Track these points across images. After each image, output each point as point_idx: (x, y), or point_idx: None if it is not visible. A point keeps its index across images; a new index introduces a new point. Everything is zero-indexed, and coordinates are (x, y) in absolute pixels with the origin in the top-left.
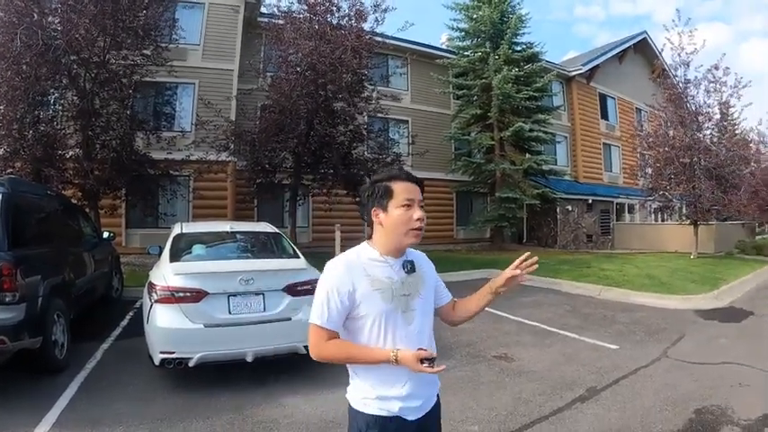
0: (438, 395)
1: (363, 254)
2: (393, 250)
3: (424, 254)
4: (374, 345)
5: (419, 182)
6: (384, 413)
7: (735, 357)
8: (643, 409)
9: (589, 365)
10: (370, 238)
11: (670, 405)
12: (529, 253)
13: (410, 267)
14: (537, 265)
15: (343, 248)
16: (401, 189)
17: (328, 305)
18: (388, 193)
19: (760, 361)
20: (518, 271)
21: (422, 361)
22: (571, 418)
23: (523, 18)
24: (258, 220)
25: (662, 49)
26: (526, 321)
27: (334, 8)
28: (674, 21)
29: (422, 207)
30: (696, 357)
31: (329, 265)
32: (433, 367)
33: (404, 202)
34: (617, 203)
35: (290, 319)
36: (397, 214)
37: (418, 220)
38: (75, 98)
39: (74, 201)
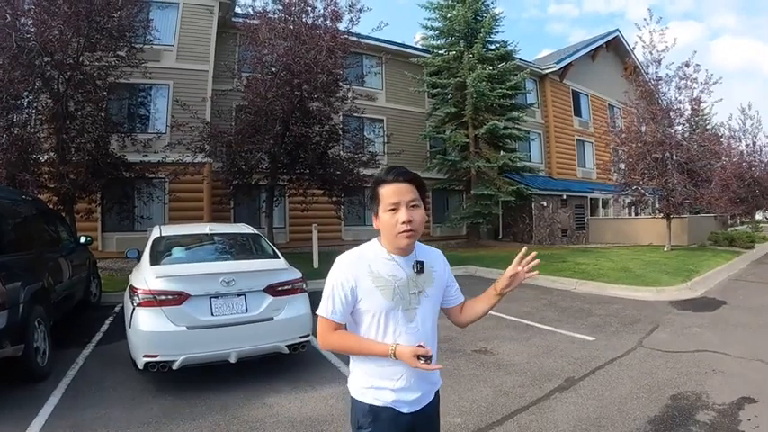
0: (438, 393)
1: (372, 250)
2: (396, 250)
3: (440, 252)
4: (374, 338)
5: (412, 179)
6: (378, 403)
7: (708, 345)
8: (620, 397)
9: (567, 357)
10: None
11: (646, 392)
12: (526, 248)
13: (420, 267)
14: (538, 260)
15: (321, 248)
16: (386, 193)
17: (333, 299)
18: (376, 199)
19: (733, 348)
20: (519, 268)
21: (418, 357)
22: (551, 408)
23: (497, 17)
24: (235, 222)
25: (634, 48)
26: (504, 316)
27: (310, 8)
28: (645, 19)
29: (413, 207)
30: (671, 346)
31: (337, 259)
32: (429, 364)
33: (389, 206)
34: (591, 198)
35: (271, 319)
36: (385, 219)
37: (404, 223)
38: (50, 101)
39: (49, 205)
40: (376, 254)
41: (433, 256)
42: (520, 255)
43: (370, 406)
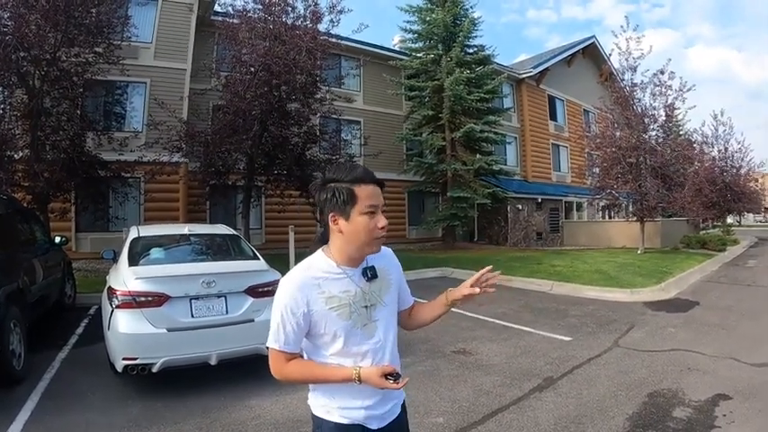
0: (404, 404)
1: (318, 266)
2: (352, 260)
3: (390, 250)
4: (336, 362)
5: (382, 184)
6: (346, 421)
7: (683, 344)
8: (598, 395)
9: (545, 357)
10: (323, 242)
11: (624, 390)
12: (491, 267)
13: (371, 274)
14: (497, 280)
15: (298, 249)
16: (366, 194)
17: (284, 328)
18: (352, 199)
19: (706, 347)
20: (476, 290)
21: (386, 377)
22: (531, 407)
23: (476, 21)
24: (211, 222)
25: (610, 54)
26: (481, 317)
27: (290, 8)
28: (622, 27)
29: (384, 212)
30: (646, 346)
31: (282, 283)
32: (397, 383)
33: (368, 209)
34: (566, 202)
35: (252, 320)
36: (361, 222)
37: (382, 228)
38: (25, 97)
39: (23, 204)
40: (324, 270)
41: (385, 258)
42: (482, 272)
43: (337, 424)
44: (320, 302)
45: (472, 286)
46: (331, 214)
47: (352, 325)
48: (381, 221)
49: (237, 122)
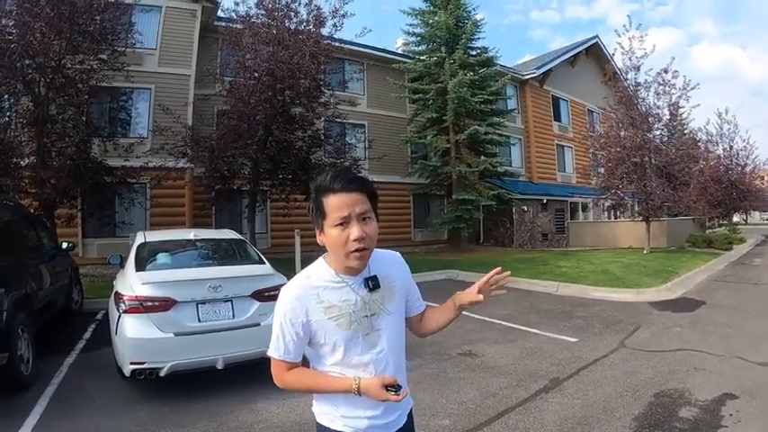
0: (411, 413)
1: (318, 274)
2: (346, 270)
3: (397, 255)
4: (337, 372)
5: (363, 187)
6: (349, 430)
7: (689, 344)
8: (605, 396)
9: (551, 358)
10: None
11: (630, 391)
12: (499, 269)
13: (373, 285)
14: (508, 281)
15: (304, 253)
16: (333, 205)
17: (283, 338)
18: (321, 212)
19: (713, 347)
20: (480, 297)
21: (386, 388)
22: (537, 408)
23: (479, 23)
24: (216, 227)
25: (613, 54)
26: (488, 319)
27: (293, 13)
28: (625, 26)
29: (365, 219)
30: (652, 346)
31: (282, 292)
32: (398, 394)
33: (337, 221)
34: (571, 202)
35: (258, 324)
36: (333, 235)
37: (356, 240)
38: (31, 104)
39: (30, 211)
40: (324, 279)
41: (390, 264)
42: (489, 275)
43: None
44: (319, 312)
45: (480, 291)
46: (315, 226)
47: (352, 335)
48: (354, 233)
49: (242, 127)
